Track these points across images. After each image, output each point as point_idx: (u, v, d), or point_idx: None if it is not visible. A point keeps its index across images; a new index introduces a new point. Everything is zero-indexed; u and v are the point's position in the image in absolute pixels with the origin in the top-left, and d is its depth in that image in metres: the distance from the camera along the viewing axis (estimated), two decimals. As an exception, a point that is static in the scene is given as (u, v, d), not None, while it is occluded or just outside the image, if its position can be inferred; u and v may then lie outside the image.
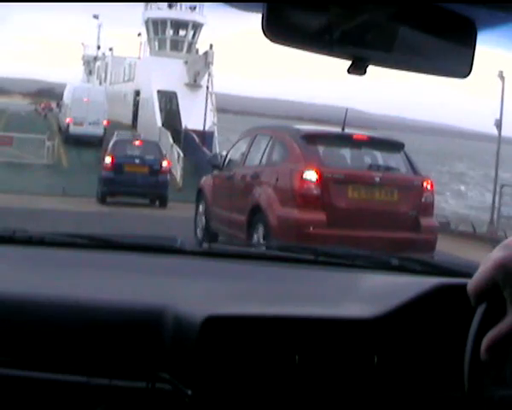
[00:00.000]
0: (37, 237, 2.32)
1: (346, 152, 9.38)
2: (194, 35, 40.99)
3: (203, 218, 11.51)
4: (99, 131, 35.25)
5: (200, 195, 11.83)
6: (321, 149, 8.94)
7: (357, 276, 2.27)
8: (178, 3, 38.86)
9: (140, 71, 40.60)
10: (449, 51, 1.32)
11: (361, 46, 1.26)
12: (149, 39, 42.05)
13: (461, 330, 1.65)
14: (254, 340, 1.76)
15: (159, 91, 36.56)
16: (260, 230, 8.84)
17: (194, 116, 32.27)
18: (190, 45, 40.66)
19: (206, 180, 11.68)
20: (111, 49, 52.82)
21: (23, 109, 58.59)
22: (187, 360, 1.74)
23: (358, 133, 9.73)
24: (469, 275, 2.27)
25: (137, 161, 18.82)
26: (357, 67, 1.28)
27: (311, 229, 8.18)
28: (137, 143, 19.65)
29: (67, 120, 36.50)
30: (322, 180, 8.29)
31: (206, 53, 34.02)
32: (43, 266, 2.18)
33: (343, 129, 9.53)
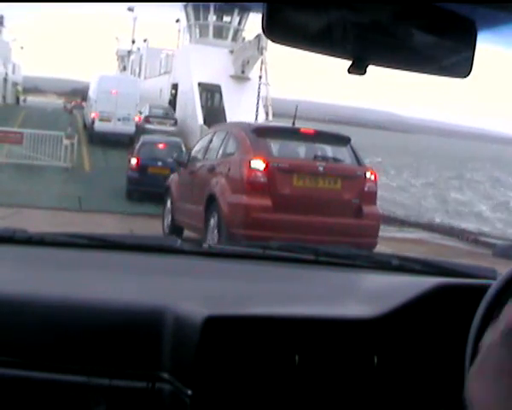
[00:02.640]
0: (37, 237, 2.32)
1: (294, 144, 10.07)
2: (240, 21, 36.02)
3: (169, 214, 12.14)
4: (129, 128, 29.90)
5: (166, 192, 12.49)
6: (269, 141, 9.61)
7: (357, 276, 2.26)
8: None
9: (178, 61, 35.82)
10: (449, 51, 1.32)
11: (361, 46, 1.26)
12: (189, 26, 37.06)
13: (461, 330, 1.64)
14: (254, 340, 1.76)
15: (200, 84, 31.75)
16: (215, 217, 9.52)
17: (241, 113, 27.07)
18: (236, 32, 35.68)
19: (173, 178, 12.38)
20: (145, 41, 49.01)
21: (51, 106, 55.75)
22: (187, 360, 1.73)
23: (306, 127, 10.43)
24: (469, 275, 2.28)
25: (160, 163, 19.39)
26: (358, 67, 1.28)
27: (258, 213, 8.84)
28: (161, 145, 20.35)
29: (92, 115, 30.89)
30: (269, 169, 8.96)
31: (258, 36, 28.65)
32: (43, 266, 2.18)
33: (293, 123, 10.33)
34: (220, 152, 10.14)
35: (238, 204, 9.02)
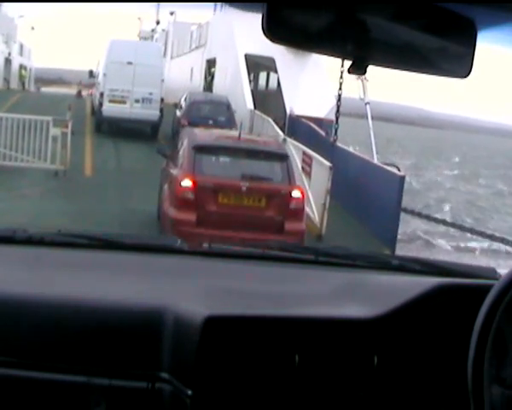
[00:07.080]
0: (37, 237, 2.32)
1: (228, 162, 10.97)
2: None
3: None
4: (152, 112, 21.29)
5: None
6: (204, 158, 10.61)
7: (357, 276, 2.26)
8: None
9: (217, 30, 27.69)
10: (449, 51, 1.31)
11: (361, 46, 1.26)
12: (230, -17, 28.98)
13: (461, 329, 1.64)
14: (254, 340, 1.76)
15: (247, 57, 23.70)
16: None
17: (301, 96, 20.91)
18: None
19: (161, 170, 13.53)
20: (172, 14, 41.95)
21: (63, 93, 47.04)
22: (187, 360, 1.74)
23: (244, 145, 11.29)
24: (469, 275, 2.28)
25: (210, 122, 18.50)
26: (358, 67, 1.28)
27: (183, 227, 9.68)
28: (210, 106, 19.85)
29: (100, 94, 21.72)
30: (196, 187, 10.00)
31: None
32: (43, 266, 2.18)
33: (239, 135, 11.25)
34: (175, 163, 11.13)
35: (169, 216, 10.07)
